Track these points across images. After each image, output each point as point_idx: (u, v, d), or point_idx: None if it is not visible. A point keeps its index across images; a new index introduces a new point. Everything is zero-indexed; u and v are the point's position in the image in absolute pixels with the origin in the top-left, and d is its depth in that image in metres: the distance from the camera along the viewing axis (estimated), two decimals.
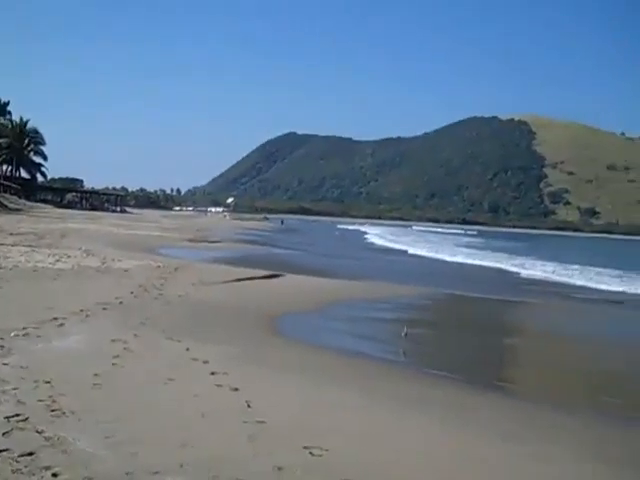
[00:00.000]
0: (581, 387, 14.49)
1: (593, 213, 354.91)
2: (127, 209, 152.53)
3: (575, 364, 16.95)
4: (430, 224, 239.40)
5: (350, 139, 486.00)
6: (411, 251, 64.62)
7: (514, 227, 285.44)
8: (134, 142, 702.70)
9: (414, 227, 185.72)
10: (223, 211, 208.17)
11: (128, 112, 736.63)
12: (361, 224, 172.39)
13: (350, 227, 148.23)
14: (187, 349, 12.63)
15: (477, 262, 52.39)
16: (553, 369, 16.38)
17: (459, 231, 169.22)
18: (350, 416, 9.56)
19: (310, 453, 7.56)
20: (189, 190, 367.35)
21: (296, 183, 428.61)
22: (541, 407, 11.83)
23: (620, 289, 35.77)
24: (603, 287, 36.68)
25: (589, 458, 8.76)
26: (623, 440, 10.11)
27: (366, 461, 7.58)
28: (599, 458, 8.80)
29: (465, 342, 18.69)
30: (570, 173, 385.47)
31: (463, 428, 9.59)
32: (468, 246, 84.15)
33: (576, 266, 49.95)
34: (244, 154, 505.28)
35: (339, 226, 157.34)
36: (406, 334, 17.29)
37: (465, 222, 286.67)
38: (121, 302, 17.49)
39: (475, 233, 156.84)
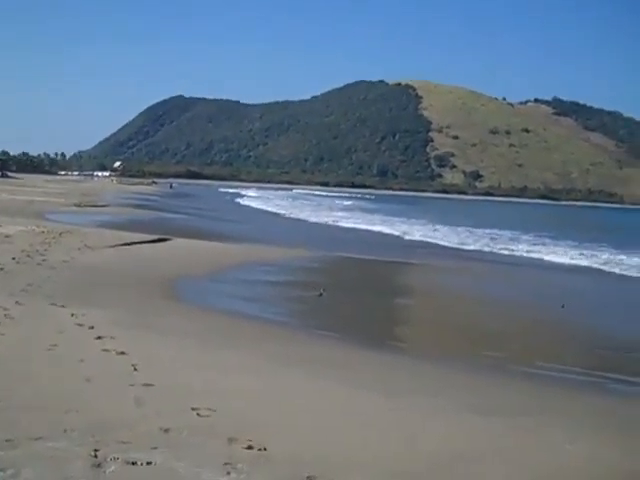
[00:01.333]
0: (465, 343, 14.95)
1: (477, 176, 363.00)
2: (9, 174, 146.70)
3: (461, 321, 17.48)
4: (319, 187, 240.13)
5: (238, 102, 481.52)
6: (297, 216, 64.36)
7: (402, 190, 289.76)
8: (15, 103, 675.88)
9: (294, 190, 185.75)
10: (110, 175, 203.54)
11: (7, 72, 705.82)
12: (248, 188, 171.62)
13: (231, 190, 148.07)
14: (72, 315, 12.37)
15: (362, 226, 52.97)
16: (441, 327, 16.87)
17: (346, 194, 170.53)
18: (239, 377, 9.58)
19: (197, 414, 7.53)
20: (75, 154, 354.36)
21: (184, 147, 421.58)
22: (427, 363, 12.18)
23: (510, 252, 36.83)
24: (484, 248, 37.94)
25: (466, 409, 9.06)
26: (499, 392, 10.51)
27: (253, 420, 7.62)
28: (476, 409, 9.10)
29: (358, 303, 18.96)
30: (455, 137, 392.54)
31: (351, 386, 9.75)
32: (351, 209, 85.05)
33: (461, 228, 51.54)
34: (130, 117, 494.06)
35: (221, 189, 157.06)
36: (321, 294, 17.73)
37: (354, 185, 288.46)
38: (2, 268, 16.96)
39: (359, 196, 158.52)
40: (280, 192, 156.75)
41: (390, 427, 7.99)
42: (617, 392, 11.34)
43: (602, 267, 30.69)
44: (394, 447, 7.28)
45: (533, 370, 12.22)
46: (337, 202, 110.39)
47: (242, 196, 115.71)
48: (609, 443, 8.06)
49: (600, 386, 11.57)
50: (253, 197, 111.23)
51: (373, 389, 9.66)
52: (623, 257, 33.76)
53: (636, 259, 32.76)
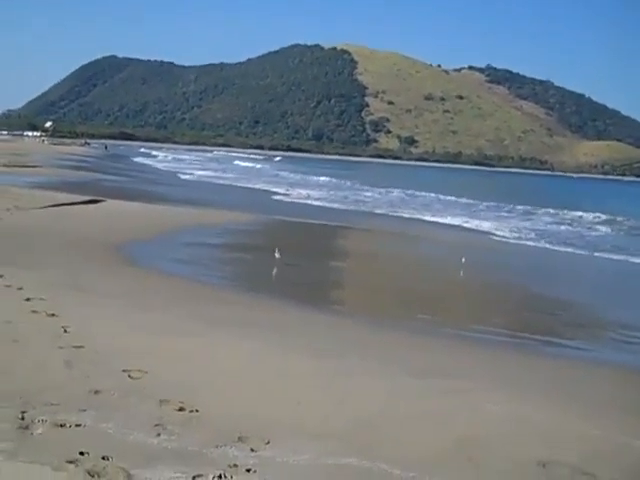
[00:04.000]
0: (398, 305, 15.12)
1: (412, 141, 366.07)
2: None
3: (393, 284, 17.68)
4: (253, 150, 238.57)
5: (172, 64, 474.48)
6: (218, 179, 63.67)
7: (337, 154, 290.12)
8: None
9: (215, 152, 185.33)
10: (41, 136, 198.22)
11: None
12: (175, 150, 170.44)
13: (144, 150, 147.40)
14: (0, 276, 12.08)
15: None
16: (375, 289, 17.01)
17: (265, 157, 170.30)
18: (172, 339, 9.49)
19: (129, 376, 7.48)
20: (3, 113, 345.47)
21: (117, 108, 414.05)
22: (359, 325, 12.25)
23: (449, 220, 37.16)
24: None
25: (397, 371, 9.17)
26: (428, 353, 10.67)
27: (185, 382, 7.59)
28: (405, 370, 9.22)
29: (293, 265, 18.84)
30: (390, 103, 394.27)
31: (284, 347, 9.76)
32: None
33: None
34: (62, 77, 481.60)
35: (142, 149, 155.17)
36: (280, 256, 17.95)
37: (290, 149, 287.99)
38: None
39: (279, 159, 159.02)
40: (201, 154, 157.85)
41: (320, 388, 8.06)
42: (542, 353, 11.59)
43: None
44: (324, 408, 7.37)
45: (463, 332, 12.47)
46: (240, 164, 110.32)
47: (154, 157, 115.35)
48: (533, 403, 8.25)
49: (527, 347, 11.83)
50: (166, 159, 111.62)
51: (305, 351, 9.70)
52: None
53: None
